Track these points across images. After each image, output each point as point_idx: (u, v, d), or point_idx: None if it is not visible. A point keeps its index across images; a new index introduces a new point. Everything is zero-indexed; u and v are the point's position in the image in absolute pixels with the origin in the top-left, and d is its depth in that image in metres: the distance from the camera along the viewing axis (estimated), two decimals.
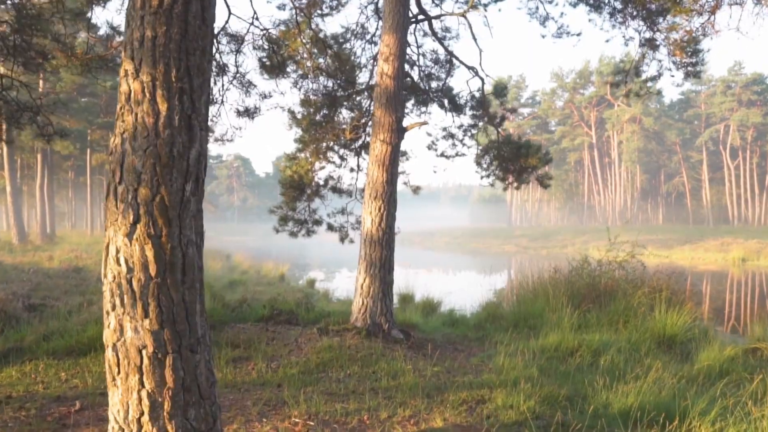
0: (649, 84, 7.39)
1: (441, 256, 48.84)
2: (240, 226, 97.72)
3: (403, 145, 14.69)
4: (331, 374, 5.41)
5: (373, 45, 9.73)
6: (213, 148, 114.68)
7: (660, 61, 7.33)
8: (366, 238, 7.38)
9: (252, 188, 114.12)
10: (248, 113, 6.29)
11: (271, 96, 6.48)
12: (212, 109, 5.98)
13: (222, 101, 6.03)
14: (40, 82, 30.10)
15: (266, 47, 6.12)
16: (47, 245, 27.34)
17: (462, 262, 42.48)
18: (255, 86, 6.18)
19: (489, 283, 26.13)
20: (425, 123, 7.63)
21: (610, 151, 75.17)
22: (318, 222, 9.08)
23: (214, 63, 5.50)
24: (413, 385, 5.09)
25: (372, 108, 7.75)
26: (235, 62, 5.62)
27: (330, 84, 8.62)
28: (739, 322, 14.87)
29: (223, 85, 5.81)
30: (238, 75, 5.78)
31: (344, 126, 8.97)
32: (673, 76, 7.10)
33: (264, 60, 5.96)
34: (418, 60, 10.04)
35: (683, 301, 10.24)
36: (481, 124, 9.59)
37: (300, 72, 7.48)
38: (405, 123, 7.81)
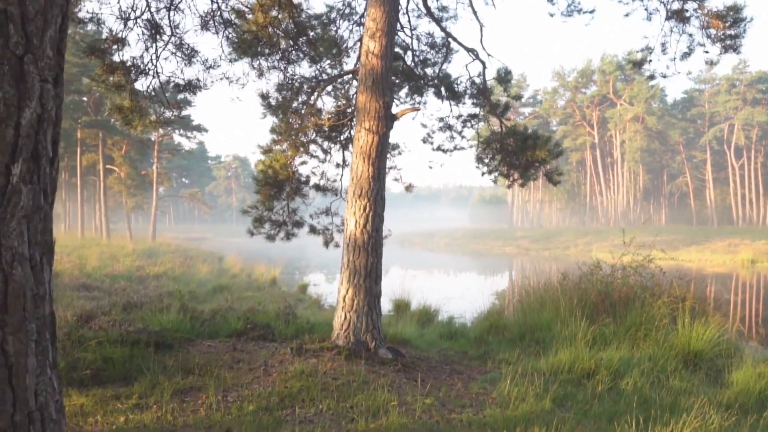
0: (678, 62, 6.39)
1: (441, 258, 47.81)
2: (238, 227, 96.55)
3: (396, 138, 13.43)
4: (298, 412, 4.39)
5: (361, 27, 8.72)
6: (211, 149, 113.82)
7: (691, 35, 6.30)
8: (349, 243, 6.37)
9: (251, 189, 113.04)
10: (190, 87, 5.24)
11: (218, 66, 5.43)
12: (143, 83, 4.93)
13: (156, 73, 4.97)
14: None
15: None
16: None
17: (462, 263, 41.46)
18: (197, 53, 5.13)
19: (490, 285, 25.14)
20: (417, 109, 6.61)
21: (613, 151, 74.11)
22: (299, 224, 8.06)
23: (145, 23, 4.50)
24: (398, 428, 4.08)
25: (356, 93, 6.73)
26: (170, 21, 4.58)
27: (309, 65, 7.63)
28: (762, 331, 13.84)
29: (156, 52, 4.77)
30: (173, 38, 4.74)
31: (329, 116, 7.96)
32: (707, 52, 6.09)
33: (206, 17, 4.90)
34: (412, 44, 9.04)
35: (708, 311, 9.25)
36: (482, 113, 8.58)
37: (268, 48, 6.44)
38: (395, 110, 6.79)
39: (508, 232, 69.51)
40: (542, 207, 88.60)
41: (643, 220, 58.81)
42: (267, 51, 5.67)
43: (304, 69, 7.35)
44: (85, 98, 36.28)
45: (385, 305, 13.99)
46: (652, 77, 6.94)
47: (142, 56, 4.55)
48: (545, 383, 5.83)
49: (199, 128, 41.79)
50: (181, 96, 5.38)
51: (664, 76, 6.76)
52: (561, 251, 48.79)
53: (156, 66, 4.71)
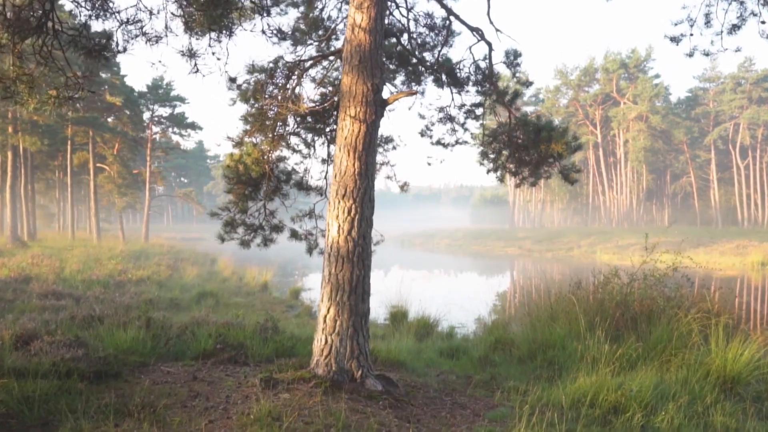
0: (725, 36, 5.36)
1: (441, 259, 46.74)
2: None
3: (391, 131, 12.25)
4: None
5: None
6: (211, 147, 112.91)
7: (742, 3, 5.26)
8: (331, 252, 5.35)
9: None
10: (99, 51, 4.13)
11: (137, 21, 4.27)
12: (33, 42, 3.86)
13: (53, 30, 3.83)
14: None
15: None
16: (16, 249, 25.31)
17: (463, 265, 40.39)
18: (111, 1, 3.99)
19: (492, 290, 24.12)
20: (414, 93, 5.61)
21: (616, 150, 73.01)
22: (278, 228, 7.02)
23: None
24: None
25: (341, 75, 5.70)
26: None
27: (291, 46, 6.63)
28: None
29: (51, 2, 3.64)
30: None
31: (312, 104, 6.93)
32: (763, 22, 5.08)
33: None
34: (409, 25, 8.02)
35: (743, 325, 8.23)
36: (487, 102, 7.55)
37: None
38: (387, 95, 5.76)
39: (510, 232, 68.46)
40: (544, 207, 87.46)
41: (668, 223, 57.61)
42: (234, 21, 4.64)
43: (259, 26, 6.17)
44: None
45: (381, 313, 13.04)
46: (691, 54, 5.92)
47: (31, 4, 3.47)
48: (566, 423, 4.82)
49: (193, 126, 40.76)
50: (89, 62, 4.16)
51: (707, 54, 5.71)
52: (564, 252, 47.74)
53: (52, 19, 3.62)
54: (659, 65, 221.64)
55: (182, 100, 39.62)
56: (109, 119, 36.76)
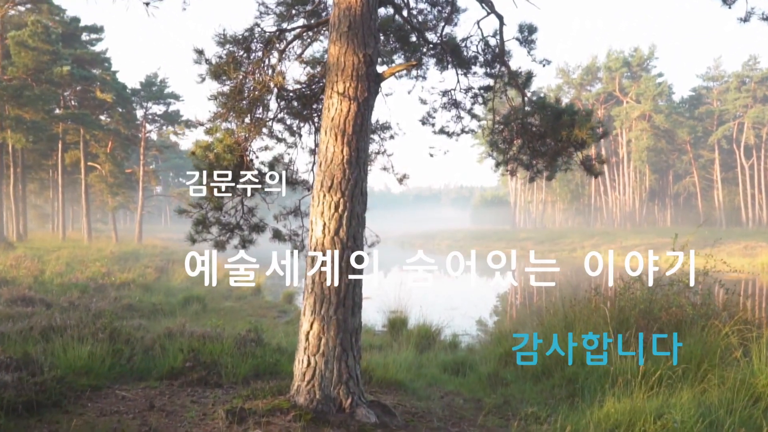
0: None
1: (442, 260, 45.77)
2: None
3: (387, 117, 11.20)
4: None
5: None
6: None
7: None
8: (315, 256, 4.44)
9: None
10: None
11: None
12: None
13: None
14: None
15: None
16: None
17: (465, 266, 39.45)
18: None
19: (496, 293, 23.25)
20: (413, 65, 4.79)
21: (618, 150, 72.10)
22: (259, 227, 6.15)
23: None
24: None
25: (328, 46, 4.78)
26: None
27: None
28: None
29: None
30: None
31: (299, 85, 6.05)
32: None
33: None
34: (408, 1, 7.13)
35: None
36: (498, 85, 6.66)
37: None
38: (382, 70, 4.86)
39: (511, 233, 67.54)
40: (545, 208, 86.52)
41: (701, 222, 56.70)
42: None
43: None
44: (67, 92, 34.36)
45: (379, 320, 12.15)
46: (746, 19, 5.02)
47: None
48: None
49: (188, 124, 39.82)
50: None
51: (766, 18, 4.88)
52: (567, 254, 46.81)
53: None
54: (662, 64, 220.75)
55: (177, 97, 38.69)
56: (102, 117, 35.83)
